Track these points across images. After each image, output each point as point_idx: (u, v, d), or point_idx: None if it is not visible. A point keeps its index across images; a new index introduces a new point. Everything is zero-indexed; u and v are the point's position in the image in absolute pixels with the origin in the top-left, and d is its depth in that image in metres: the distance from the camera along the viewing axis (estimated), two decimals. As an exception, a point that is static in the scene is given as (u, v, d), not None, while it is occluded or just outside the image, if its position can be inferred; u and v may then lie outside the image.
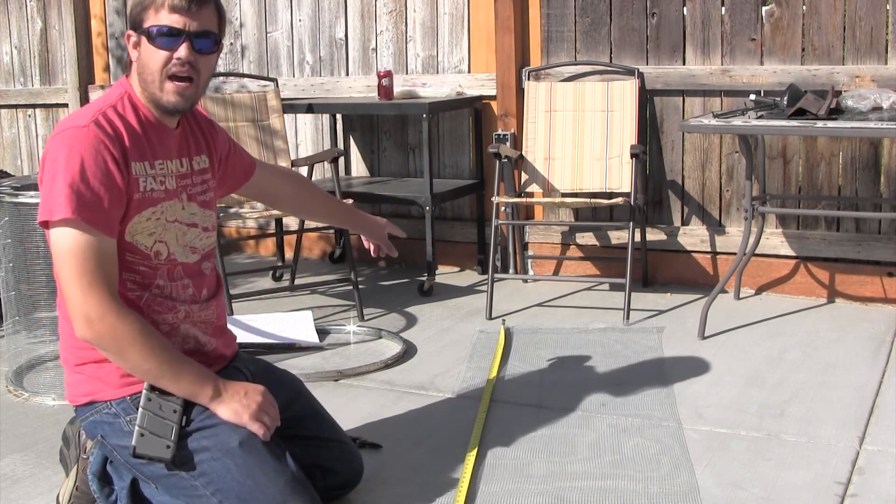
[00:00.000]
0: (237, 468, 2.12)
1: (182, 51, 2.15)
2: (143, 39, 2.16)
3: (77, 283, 2.06)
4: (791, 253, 4.28)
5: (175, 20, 2.14)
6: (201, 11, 2.16)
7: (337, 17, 5.09)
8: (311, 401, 2.52)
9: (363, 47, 5.05)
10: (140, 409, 2.14)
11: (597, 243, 4.65)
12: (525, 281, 4.66)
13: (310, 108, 4.75)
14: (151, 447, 2.13)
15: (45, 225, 2.10)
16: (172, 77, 2.16)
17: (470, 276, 4.82)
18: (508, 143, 4.59)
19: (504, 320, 4.04)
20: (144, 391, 2.15)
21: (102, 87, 5.69)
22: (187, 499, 2.15)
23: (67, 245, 2.06)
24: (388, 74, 4.65)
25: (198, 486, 2.13)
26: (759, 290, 4.34)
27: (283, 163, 4.44)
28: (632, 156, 4.16)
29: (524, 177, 4.45)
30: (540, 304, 4.29)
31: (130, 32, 2.19)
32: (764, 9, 4.23)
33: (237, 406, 2.15)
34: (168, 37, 2.14)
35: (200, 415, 2.17)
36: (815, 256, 4.25)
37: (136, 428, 2.13)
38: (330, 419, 2.52)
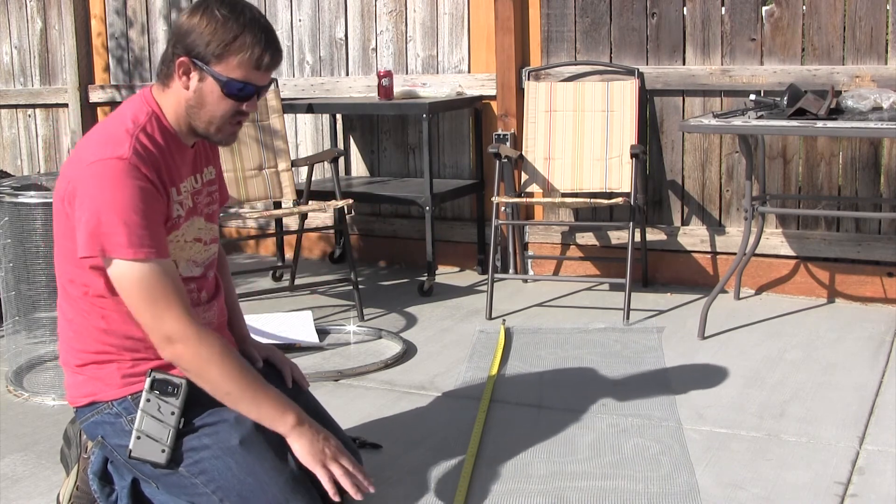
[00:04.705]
0: (238, 466, 2.12)
1: (251, 104, 2.17)
2: (211, 81, 2.12)
3: (150, 311, 2.06)
4: (791, 253, 4.28)
5: (255, 77, 2.13)
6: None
7: (337, 17, 5.09)
8: (312, 400, 2.52)
9: (363, 47, 5.05)
10: (139, 411, 2.14)
11: (597, 243, 4.65)
12: (525, 281, 4.66)
13: (310, 108, 4.75)
14: (147, 451, 2.13)
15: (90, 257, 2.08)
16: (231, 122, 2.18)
17: (470, 276, 4.82)
18: (508, 143, 4.59)
19: (504, 320, 4.04)
20: (144, 391, 2.15)
21: (102, 88, 5.69)
22: (188, 497, 2.15)
23: (132, 278, 2.06)
24: (388, 74, 4.65)
25: (198, 485, 2.13)
26: (759, 290, 4.34)
27: (283, 163, 4.43)
28: (632, 156, 4.16)
29: (524, 177, 4.45)
30: (540, 304, 4.29)
31: (186, 60, 2.12)
32: (764, 9, 4.22)
33: (319, 446, 2.12)
34: (245, 91, 2.13)
35: (201, 414, 2.17)
36: (815, 256, 4.25)
37: (133, 430, 2.13)
38: (330, 418, 2.52)
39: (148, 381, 2.16)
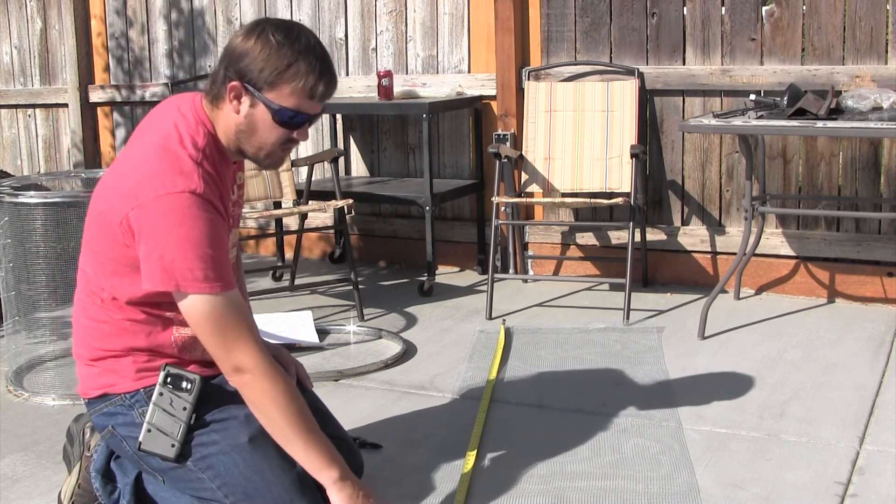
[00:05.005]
0: (245, 463, 2.13)
1: (302, 133, 2.14)
2: (263, 108, 2.09)
3: (221, 343, 2.06)
4: (791, 253, 4.28)
5: (308, 106, 2.10)
6: None
7: (337, 17, 5.09)
8: (315, 398, 2.53)
9: (363, 47, 5.05)
10: (151, 404, 2.15)
11: (597, 243, 4.65)
12: (525, 281, 4.66)
13: (310, 108, 4.74)
14: (157, 444, 2.14)
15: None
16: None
17: (470, 276, 4.82)
18: (508, 143, 4.59)
19: (504, 320, 4.04)
20: (158, 385, 2.15)
21: (102, 88, 5.69)
22: (193, 492, 2.16)
23: (204, 311, 2.05)
24: (388, 74, 4.65)
25: (204, 480, 2.14)
26: (759, 290, 4.34)
27: (283, 163, 4.42)
28: (632, 156, 4.16)
29: (524, 177, 4.45)
30: (540, 304, 4.29)
31: (237, 85, 2.09)
32: (764, 9, 4.23)
33: (357, 503, 2.12)
34: (297, 119, 2.11)
35: (212, 410, 2.18)
36: (815, 256, 4.25)
37: (144, 423, 2.14)
38: (332, 417, 2.53)
39: (162, 374, 2.16)
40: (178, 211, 2.02)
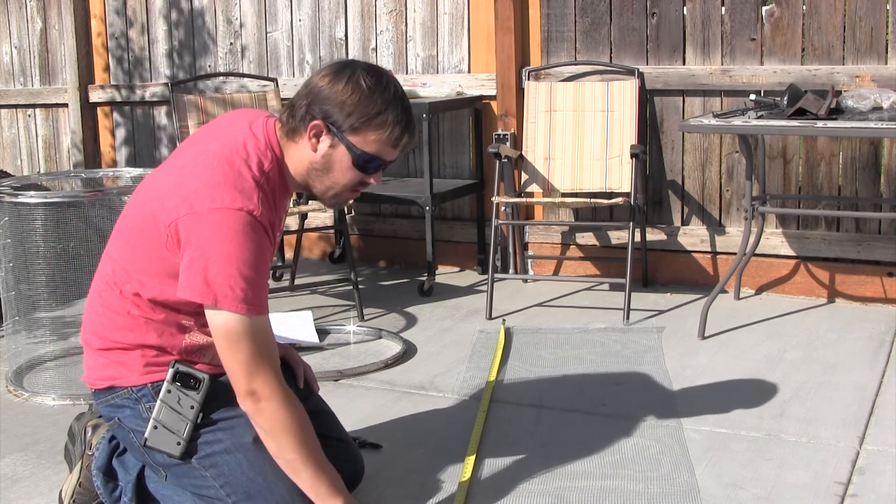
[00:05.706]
0: (248, 463, 2.13)
1: (377, 177, 2.15)
2: (343, 150, 2.10)
3: (245, 366, 2.05)
4: (791, 253, 4.28)
5: (387, 153, 2.12)
6: None
7: (337, 16, 5.09)
8: (320, 400, 2.54)
9: (363, 47, 5.05)
10: (158, 401, 2.15)
11: (597, 243, 4.65)
12: (525, 281, 4.66)
13: (310, 108, 4.74)
14: (162, 441, 2.14)
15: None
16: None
17: (470, 276, 4.82)
18: (508, 143, 4.59)
19: (504, 320, 4.04)
20: (166, 382, 2.15)
21: (102, 88, 5.69)
22: (195, 489, 2.16)
23: (236, 331, 2.04)
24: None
25: (207, 478, 2.14)
26: (759, 290, 4.34)
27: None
28: (632, 156, 4.17)
29: (524, 177, 4.45)
30: (540, 304, 4.29)
31: (320, 124, 2.08)
32: (764, 9, 4.23)
33: None
34: (374, 164, 2.12)
35: (219, 408, 2.18)
36: (815, 256, 4.25)
37: (151, 420, 2.14)
38: (336, 421, 2.53)
39: (171, 371, 2.16)
40: (231, 227, 2.01)
